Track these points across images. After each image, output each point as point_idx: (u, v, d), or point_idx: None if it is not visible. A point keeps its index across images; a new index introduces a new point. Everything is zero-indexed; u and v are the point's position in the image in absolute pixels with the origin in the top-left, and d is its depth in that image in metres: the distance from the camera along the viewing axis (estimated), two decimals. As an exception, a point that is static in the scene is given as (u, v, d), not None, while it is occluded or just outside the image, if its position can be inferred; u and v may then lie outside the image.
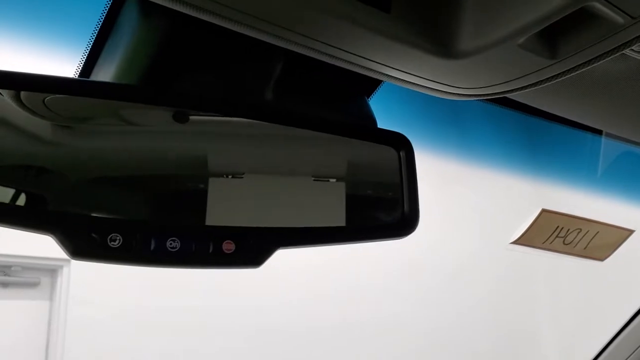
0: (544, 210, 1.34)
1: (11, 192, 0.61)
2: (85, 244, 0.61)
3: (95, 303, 4.45)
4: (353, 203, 0.75)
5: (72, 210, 0.64)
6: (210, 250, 0.65)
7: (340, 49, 0.66)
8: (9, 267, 4.41)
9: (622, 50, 0.66)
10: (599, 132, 1.21)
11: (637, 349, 1.63)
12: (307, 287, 4.85)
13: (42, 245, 4.40)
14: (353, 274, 4.95)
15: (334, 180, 0.75)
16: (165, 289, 4.62)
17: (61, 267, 4.45)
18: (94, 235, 0.61)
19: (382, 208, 0.77)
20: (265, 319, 4.80)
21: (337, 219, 0.74)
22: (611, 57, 0.67)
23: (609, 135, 1.22)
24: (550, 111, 1.02)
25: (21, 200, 0.62)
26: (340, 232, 0.74)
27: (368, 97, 0.89)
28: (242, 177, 0.70)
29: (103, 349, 4.43)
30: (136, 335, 4.55)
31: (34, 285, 4.53)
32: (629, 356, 1.66)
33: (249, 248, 0.66)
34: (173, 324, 4.62)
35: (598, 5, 0.58)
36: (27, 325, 4.47)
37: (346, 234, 0.74)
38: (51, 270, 4.53)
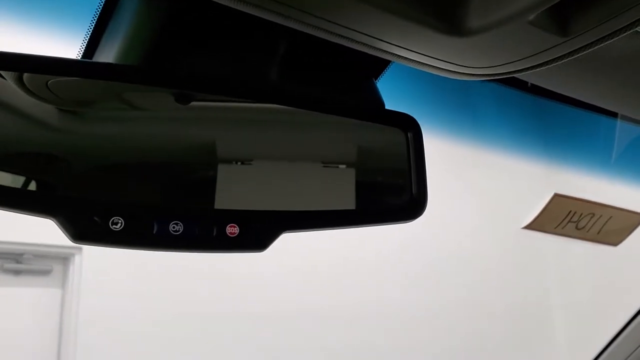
0: (556, 195, 1.32)
1: (12, 175, 0.61)
2: (87, 227, 0.60)
3: (108, 291, 4.48)
4: (360, 186, 0.74)
5: (73, 194, 0.63)
6: (214, 234, 0.64)
7: (347, 28, 0.65)
8: (21, 254, 4.43)
9: (635, 27, 0.64)
10: (614, 115, 1.19)
11: (637, 348, 1.62)
12: (320, 270, 4.89)
13: (54, 233, 4.42)
14: (358, 259, 4.98)
15: (342, 164, 0.74)
16: (179, 277, 4.65)
17: (73, 255, 4.47)
18: (95, 218, 0.61)
19: (390, 191, 0.76)
20: (272, 307, 4.82)
21: (344, 202, 0.73)
22: (625, 34, 0.66)
23: (624, 117, 1.20)
24: (561, 92, 1.00)
25: (22, 184, 0.61)
26: (347, 216, 0.72)
27: (376, 79, 0.87)
28: (250, 164, 0.69)
29: (116, 337, 4.46)
30: (148, 323, 4.58)
31: (46, 273, 4.56)
32: (629, 355, 1.64)
33: (253, 231, 0.65)
34: (186, 313, 4.65)
35: None
36: (40, 313, 4.50)
37: (353, 217, 0.73)
38: (63, 258, 4.55)
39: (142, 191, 0.66)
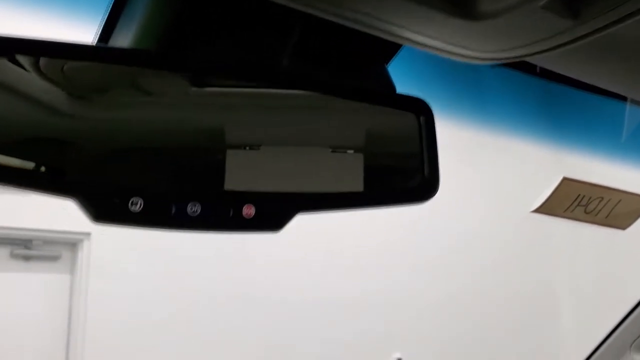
0: (565, 179, 1.32)
1: (33, 159, 0.62)
2: (107, 208, 0.62)
3: (116, 277, 4.50)
4: (373, 168, 0.75)
5: (93, 175, 0.64)
6: (231, 215, 0.65)
7: (360, 12, 0.66)
8: (30, 240, 4.46)
9: None
10: (623, 98, 1.19)
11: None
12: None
13: (63, 219, 4.45)
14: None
15: (354, 147, 0.75)
16: (187, 263, 4.67)
17: (81, 240, 4.49)
18: (115, 199, 0.62)
19: (402, 173, 0.77)
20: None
21: (357, 184, 0.74)
22: (637, 17, 0.66)
23: (633, 102, 1.20)
24: (571, 76, 1.01)
25: (44, 166, 0.62)
26: (360, 197, 0.74)
27: (386, 63, 0.88)
28: (265, 147, 0.70)
29: (124, 322, 4.49)
30: (157, 308, 4.60)
31: (55, 258, 4.59)
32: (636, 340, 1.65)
33: (269, 213, 0.66)
34: (193, 298, 4.67)
35: None
36: (49, 298, 4.53)
37: (366, 198, 0.74)
38: (72, 244, 4.58)
39: (159, 173, 0.67)
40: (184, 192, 0.65)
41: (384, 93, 0.78)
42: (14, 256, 4.47)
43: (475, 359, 5.24)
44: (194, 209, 0.64)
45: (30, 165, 0.61)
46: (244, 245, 4.83)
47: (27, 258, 4.52)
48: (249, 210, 0.65)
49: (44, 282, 4.55)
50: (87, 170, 0.64)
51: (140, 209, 0.62)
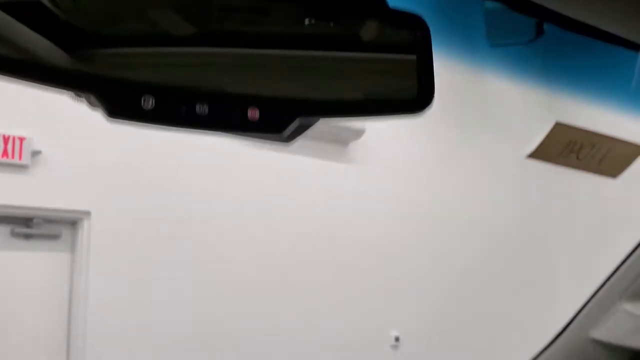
0: (557, 124, 1.35)
1: (52, 53, 0.65)
2: (121, 104, 0.65)
3: (116, 254, 4.54)
4: (372, 79, 0.78)
5: (106, 72, 0.67)
6: (237, 116, 0.69)
7: None
8: (31, 219, 4.50)
9: None
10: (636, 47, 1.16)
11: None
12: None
13: (64, 198, 4.46)
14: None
15: (353, 58, 0.78)
16: (184, 241, 4.71)
17: (81, 219, 4.53)
18: (128, 96, 0.65)
19: (400, 86, 0.80)
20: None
21: (356, 93, 0.77)
22: None
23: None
24: (580, 19, 0.99)
25: (61, 61, 0.65)
26: (359, 106, 0.77)
27: None
28: (270, 53, 0.74)
29: (124, 298, 4.53)
30: (156, 284, 4.64)
31: (55, 237, 4.63)
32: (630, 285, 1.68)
33: (272, 116, 0.70)
34: (192, 270, 4.71)
35: None
36: (50, 276, 4.57)
37: (365, 107, 0.77)
38: (72, 223, 4.62)
39: (168, 74, 0.70)
40: (193, 93, 0.68)
41: (377, 5, 0.80)
42: (14, 235, 4.51)
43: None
44: (202, 109, 0.67)
45: (47, 59, 0.65)
46: (245, 223, 4.87)
47: (27, 236, 4.56)
48: (253, 113, 0.69)
49: (45, 261, 4.59)
50: (101, 67, 0.67)
51: (152, 106, 0.66)
